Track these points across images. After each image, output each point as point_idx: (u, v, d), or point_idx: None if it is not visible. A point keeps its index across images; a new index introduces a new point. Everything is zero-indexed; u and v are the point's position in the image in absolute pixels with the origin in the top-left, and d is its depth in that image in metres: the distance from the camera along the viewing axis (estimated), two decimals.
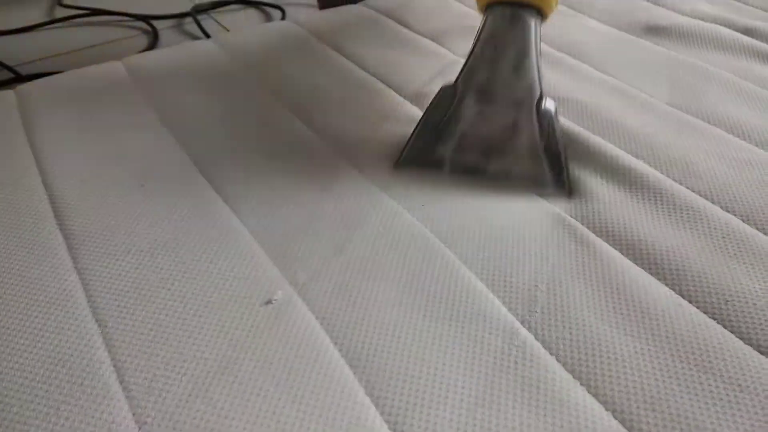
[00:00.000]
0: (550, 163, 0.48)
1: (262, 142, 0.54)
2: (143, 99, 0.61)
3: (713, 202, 0.47)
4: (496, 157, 0.49)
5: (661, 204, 0.47)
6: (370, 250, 0.41)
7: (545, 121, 0.48)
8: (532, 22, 0.50)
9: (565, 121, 0.57)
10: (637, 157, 0.52)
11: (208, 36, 1.23)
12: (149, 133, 0.56)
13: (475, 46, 0.51)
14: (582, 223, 0.45)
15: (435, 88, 0.62)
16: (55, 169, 0.51)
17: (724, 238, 0.43)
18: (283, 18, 1.28)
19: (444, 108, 0.50)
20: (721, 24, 0.74)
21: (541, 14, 0.51)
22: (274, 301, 0.37)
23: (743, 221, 0.45)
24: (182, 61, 0.68)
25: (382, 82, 0.64)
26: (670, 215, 0.46)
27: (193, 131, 0.56)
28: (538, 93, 0.48)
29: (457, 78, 0.51)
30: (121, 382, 0.34)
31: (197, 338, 0.36)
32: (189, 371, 0.34)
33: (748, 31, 0.72)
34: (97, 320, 0.38)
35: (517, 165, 0.48)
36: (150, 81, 0.64)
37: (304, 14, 1.27)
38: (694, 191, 0.48)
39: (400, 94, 0.62)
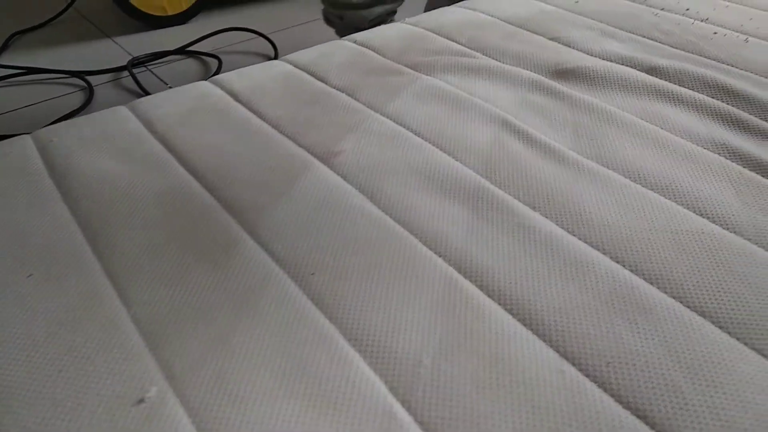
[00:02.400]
0: None
1: (162, 215, 0.53)
2: (48, 175, 0.60)
3: (604, 253, 0.48)
4: None
5: (553, 258, 0.47)
6: (256, 336, 0.41)
7: None
8: None
9: (468, 172, 0.58)
10: (534, 208, 0.53)
11: (145, 91, 1.22)
12: (49, 212, 0.55)
13: None
14: (475, 284, 0.45)
15: (347, 146, 0.63)
16: None
17: (610, 292, 0.44)
18: (219, 67, 1.28)
19: None
20: (627, 64, 0.77)
21: None
22: (147, 399, 0.36)
23: (631, 272, 0.46)
24: (93, 132, 0.67)
25: (294, 142, 0.64)
26: (560, 270, 0.46)
27: (93, 208, 0.55)
28: None
29: None
30: None
31: None
32: None
33: (652, 71, 0.75)
34: None
35: None
36: (57, 155, 0.63)
37: (237, 61, 1.28)
38: (585, 242, 0.49)
39: (312, 154, 0.62)
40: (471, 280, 0.46)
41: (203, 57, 1.34)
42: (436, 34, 0.89)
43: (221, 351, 0.40)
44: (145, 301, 0.44)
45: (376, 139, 0.64)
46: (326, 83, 0.76)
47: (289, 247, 0.49)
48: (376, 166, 0.59)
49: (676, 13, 0.91)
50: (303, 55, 0.84)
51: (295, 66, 0.81)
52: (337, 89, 0.74)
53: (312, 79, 0.78)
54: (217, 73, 1.25)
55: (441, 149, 0.62)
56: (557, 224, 0.51)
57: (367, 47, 0.86)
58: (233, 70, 0.81)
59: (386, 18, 1.12)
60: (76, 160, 0.62)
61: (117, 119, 0.70)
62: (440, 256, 0.48)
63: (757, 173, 0.57)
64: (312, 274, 0.46)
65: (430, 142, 0.63)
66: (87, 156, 0.62)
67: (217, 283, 0.45)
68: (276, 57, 1.31)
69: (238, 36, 1.42)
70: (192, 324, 0.42)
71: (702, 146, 0.61)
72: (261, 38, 1.38)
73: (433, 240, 0.50)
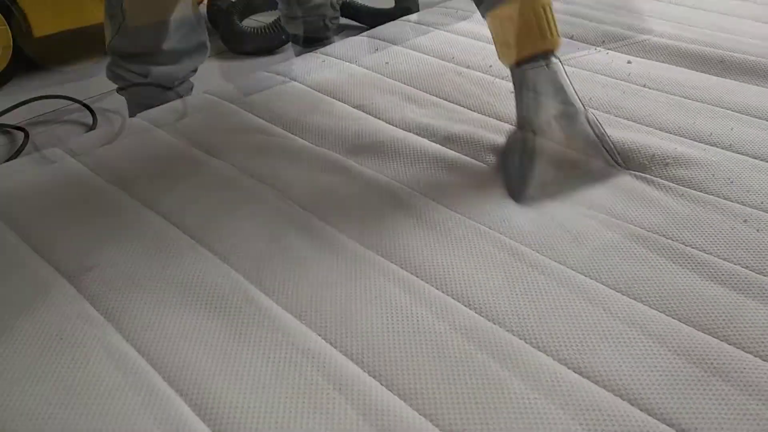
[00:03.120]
0: (606, 150, 0.66)
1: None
2: None
3: (362, 367, 0.45)
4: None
5: (309, 382, 0.43)
6: None
7: (594, 126, 0.66)
8: (555, 60, 0.66)
9: (238, 278, 0.53)
10: (300, 318, 0.49)
11: None
12: None
13: (519, 97, 0.69)
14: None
15: (102, 258, 0.55)
16: None
17: (360, 418, 0.40)
18: (25, 142, 1.14)
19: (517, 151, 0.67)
20: (423, 134, 0.76)
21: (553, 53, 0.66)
22: None
23: (386, 388, 0.43)
24: None
25: (43, 257, 0.56)
26: (311, 397, 0.42)
27: None
28: (583, 108, 0.66)
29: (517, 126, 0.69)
30: None
31: None
32: None
33: (446, 140, 0.74)
34: None
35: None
36: None
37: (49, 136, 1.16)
38: (346, 354, 0.46)
39: (60, 271, 0.54)
40: (211, 426, 0.40)
41: (10, 130, 1.20)
42: (237, 106, 0.84)
43: None
44: None
45: (141, 246, 0.57)
46: (101, 177, 0.68)
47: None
48: (131, 282, 0.53)
49: (479, 71, 0.92)
50: (84, 142, 0.76)
51: (72, 156, 0.73)
52: (111, 184, 0.67)
53: (88, 172, 0.70)
54: (21, 149, 1.12)
55: (213, 252, 0.56)
56: (321, 335, 0.47)
57: (158, 127, 0.79)
58: (45, 142, 0.71)
59: (189, 75, 1.05)
60: None
61: None
62: (181, 396, 0.43)
63: (528, 249, 0.57)
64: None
65: (202, 244, 0.57)
66: None
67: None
68: (94, 125, 1.20)
69: (55, 104, 1.29)
70: None
71: (483, 224, 0.61)
72: (79, 105, 1.27)
73: (175, 375, 0.44)
